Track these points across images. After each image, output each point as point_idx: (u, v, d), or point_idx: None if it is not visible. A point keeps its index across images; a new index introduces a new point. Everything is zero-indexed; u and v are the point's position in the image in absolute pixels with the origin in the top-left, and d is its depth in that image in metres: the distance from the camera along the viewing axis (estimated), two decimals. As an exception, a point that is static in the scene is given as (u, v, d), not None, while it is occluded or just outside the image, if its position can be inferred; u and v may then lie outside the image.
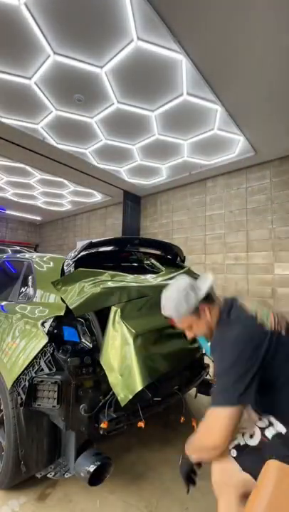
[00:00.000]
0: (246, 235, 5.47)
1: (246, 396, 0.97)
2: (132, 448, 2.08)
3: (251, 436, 1.07)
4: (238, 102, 3.54)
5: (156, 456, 1.99)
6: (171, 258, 2.72)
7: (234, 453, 1.05)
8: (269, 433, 1.03)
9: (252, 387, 0.98)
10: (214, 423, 0.99)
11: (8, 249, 4.10)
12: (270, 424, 1.06)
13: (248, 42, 2.64)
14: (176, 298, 1.18)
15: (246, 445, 1.06)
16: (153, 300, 1.71)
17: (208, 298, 1.20)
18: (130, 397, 1.34)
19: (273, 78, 3.09)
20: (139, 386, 1.31)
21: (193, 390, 2.39)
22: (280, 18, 2.38)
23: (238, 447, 1.07)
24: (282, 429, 1.01)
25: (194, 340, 1.82)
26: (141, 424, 1.50)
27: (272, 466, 0.81)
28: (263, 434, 1.05)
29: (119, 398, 1.38)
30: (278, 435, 1.01)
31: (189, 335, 1.26)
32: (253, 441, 1.06)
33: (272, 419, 1.06)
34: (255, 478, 0.93)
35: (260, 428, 1.07)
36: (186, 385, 2.08)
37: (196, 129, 4.33)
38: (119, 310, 1.50)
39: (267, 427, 1.06)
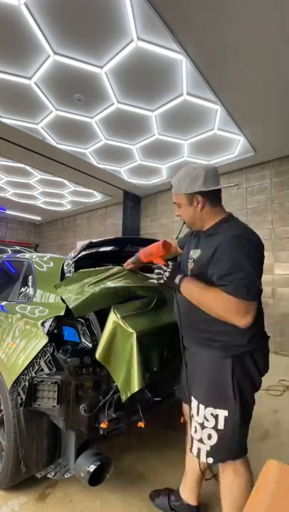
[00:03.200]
0: (246, 235, 5.47)
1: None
2: (132, 448, 2.08)
3: None
4: (238, 102, 3.54)
5: (156, 456, 1.99)
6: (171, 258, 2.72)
7: None
8: None
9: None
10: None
11: (8, 249, 4.10)
12: None
13: (247, 42, 2.64)
14: (185, 175, 1.22)
15: None
16: (153, 300, 1.71)
17: (212, 196, 1.24)
18: (129, 395, 1.34)
19: (273, 78, 3.09)
20: (137, 387, 1.32)
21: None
22: (280, 18, 2.38)
23: None
24: None
25: None
26: (141, 424, 1.50)
27: (272, 466, 0.81)
28: None
29: (120, 394, 1.39)
30: None
31: (177, 212, 1.33)
32: None
33: None
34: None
35: None
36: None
37: (196, 129, 4.32)
38: (118, 310, 1.50)
39: None
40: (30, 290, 1.97)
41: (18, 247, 4.46)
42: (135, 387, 1.32)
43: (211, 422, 1.16)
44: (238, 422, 1.15)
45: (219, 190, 1.26)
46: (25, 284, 2.08)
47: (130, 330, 1.40)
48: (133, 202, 7.52)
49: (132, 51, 2.86)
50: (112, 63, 3.02)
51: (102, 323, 1.51)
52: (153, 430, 2.29)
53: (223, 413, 1.15)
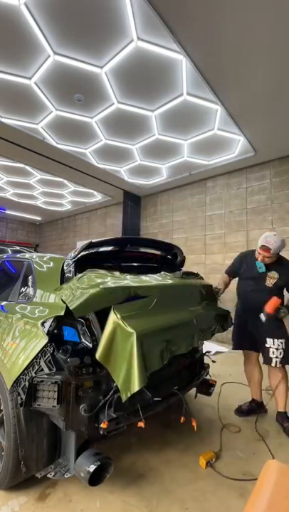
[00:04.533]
0: (246, 235, 5.47)
1: None
2: (132, 448, 2.08)
3: None
4: (238, 102, 3.54)
5: (156, 456, 1.99)
6: (171, 258, 2.72)
7: None
8: None
9: None
10: None
11: (8, 249, 4.10)
12: None
13: (248, 42, 2.64)
14: (280, 244, 2.32)
15: None
16: (153, 300, 1.71)
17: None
18: (129, 395, 1.34)
19: (273, 78, 3.09)
20: (137, 386, 1.32)
21: (193, 390, 2.40)
22: (280, 18, 2.38)
23: None
24: None
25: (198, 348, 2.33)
26: (141, 424, 1.50)
27: (272, 466, 0.81)
28: None
29: (120, 394, 1.39)
30: None
31: (265, 259, 2.40)
32: None
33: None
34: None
35: None
36: (186, 385, 2.08)
37: (196, 129, 4.33)
38: (118, 310, 1.50)
39: None
40: (30, 290, 1.97)
41: (18, 247, 4.46)
42: (135, 387, 1.32)
43: (281, 345, 2.38)
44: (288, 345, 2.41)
45: None
46: (25, 284, 2.08)
47: (130, 330, 1.40)
48: (133, 202, 7.52)
49: (132, 51, 2.86)
50: (112, 63, 3.03)
51: (102, 323, 1.51)
52: (153, 430, 2.29)
53: (283, 341, 2.39)
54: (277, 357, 2.36)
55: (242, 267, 2.64)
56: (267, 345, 2.39)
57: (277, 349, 2.36)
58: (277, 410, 2.44)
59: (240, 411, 2.61)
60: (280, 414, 2.42)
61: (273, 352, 2.36)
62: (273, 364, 2.35)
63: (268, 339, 2.40)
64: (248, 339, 2.58)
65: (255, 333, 2.51)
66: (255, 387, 2.63)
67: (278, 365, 2.35)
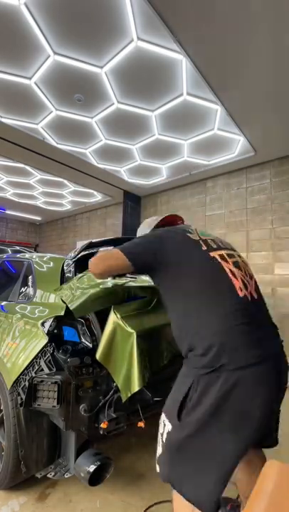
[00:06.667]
0: (246, 235, 5.46)
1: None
2: (132, 448, 2.08)
3: None
4: (238, 102, 3.54)
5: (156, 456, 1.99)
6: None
7: None
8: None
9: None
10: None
11: (8, 249, 4.09)
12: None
13: (248, 42, 2.64)
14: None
15: None
16: (153, 300, 1.71)
17: None
18: (129, 395, 1.34)
19: (273, 78, 3.09)
20: (137, 386, 1.32)
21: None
22: (280, 18, 2.38)
23: None
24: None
25: None
26: (141, 424, 1.50)
27: (272, 466, 0.81)
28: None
29: (121, 394, 1.39)
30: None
31: None
32: None
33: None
34: None
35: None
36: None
37: (196, 129, 4.32)
38: (118, 310, 1.50)
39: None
40: (30, 290, 1.97)
41: (18, 247, 4.46)
42: (135, 387, 1.32)
43: (161, 428, 1.09)
44: (178, 448, 0.98)
45: None
46: (25, 284, 2.08)
47: (130, 330, 1.40)
48: (133, 202, 7.51)
49: (132, 51, 2.86)
50: (112, 63, 3.02)
51: (102, 323, 1.51)
52: (153, 430, 2.29)
53: (168, 426, 1.03)
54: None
55: None
56: None
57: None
58: None
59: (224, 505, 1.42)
60: None
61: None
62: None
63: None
64: None
65: None
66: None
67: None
